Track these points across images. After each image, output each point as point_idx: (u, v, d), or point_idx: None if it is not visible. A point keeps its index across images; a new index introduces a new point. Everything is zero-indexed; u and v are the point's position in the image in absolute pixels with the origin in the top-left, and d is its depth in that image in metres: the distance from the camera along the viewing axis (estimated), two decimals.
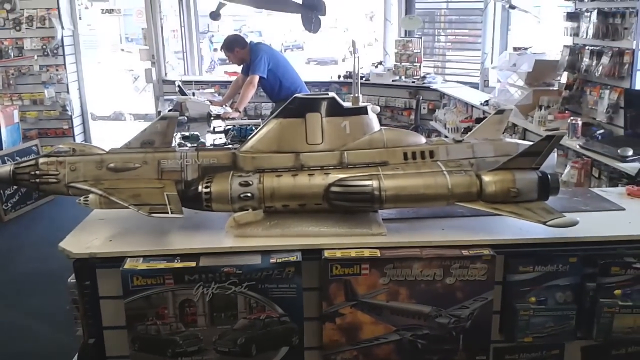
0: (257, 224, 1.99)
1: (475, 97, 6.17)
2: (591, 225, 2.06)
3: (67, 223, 2.20)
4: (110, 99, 14.15)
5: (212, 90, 7.24)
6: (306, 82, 7.77)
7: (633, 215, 2.19)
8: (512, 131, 4.99)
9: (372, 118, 2.12)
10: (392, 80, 7.62)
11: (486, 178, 1.98)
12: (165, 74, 8.06)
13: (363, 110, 2.10)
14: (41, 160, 2.08)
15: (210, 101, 6.03)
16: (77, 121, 8.13)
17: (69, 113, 7.90)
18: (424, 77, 7.44)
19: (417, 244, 1.96)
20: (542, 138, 1.96)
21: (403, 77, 7.63)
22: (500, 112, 2.38)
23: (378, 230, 2.00)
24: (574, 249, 1.98)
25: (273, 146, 2.05)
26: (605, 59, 3.81)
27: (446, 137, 6.62)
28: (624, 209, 2.25)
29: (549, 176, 1.98)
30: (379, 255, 1.90)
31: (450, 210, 2.09)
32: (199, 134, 4.06)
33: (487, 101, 5.39)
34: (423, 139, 2.17)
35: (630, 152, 3.19)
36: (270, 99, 6.43)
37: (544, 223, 1.89)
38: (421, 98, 7.00)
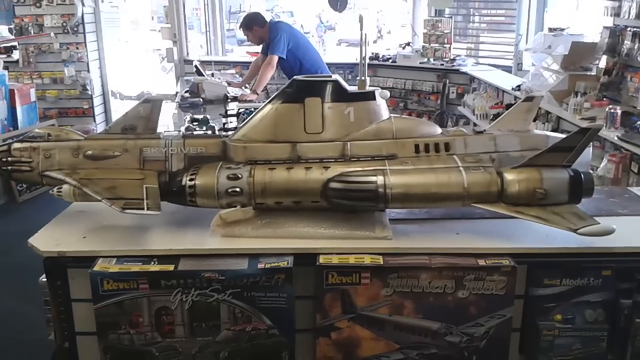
0: (246, 222, 1.78)
1: (507, 82, 5.82)
2: (629, 232, 1.79)
3: None
4: (138, 79, 14.09)
5: (233, 71, 7.03)
6: (329, 64, 7.52)
7: None
8: (545, 119, 4.66)
9: (381, 104, 1.87)
10: (420, 63, 7.30)
11: (509, 176, 1.72)
12: (187, 53, 7.88)
13: (370, 96, 1.85)
14: (14, 145, 1.90)
15: (229, 82, 5.83)
16: (97, 101, 8.03)
17: (89, 92, 7.79)
18: (453, 60, 7.10)
19: (427, 251, 1.72)
20: (577, 130, 1.69)
21: (431, 59, 7.30)
22: (529, 99, 2.10)
23: (382, 234, 1.77)
24: (608, 261, 1.72)
25: (267, 135, 1.82)
26: None
27: (475, 124, 6.32)
28: None
29: (583, 176, 1.72)
30: (382, 262, 1.67)
31: (467, 211, 1.83)
32: (209, 117, 3.86)
33: (519, 86, 5.06)
34: (438, 129, 1.91)
35: None
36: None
37: (575, 231, 1.63)
38: (448, 81, 6.67)
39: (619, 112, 3.42)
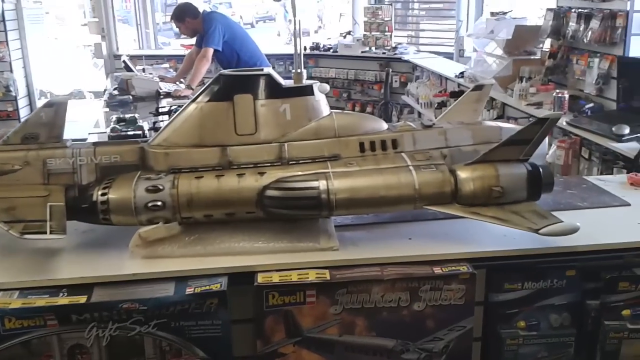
0: (172, 240, 1.56)
1: (450, 69, 5.74)
2: (592, 227, 1.66)
3: None
4: (69, 77, 13.46)
5: (167, 65, 6.71)
6: (269, 55, 7.32)
7: None
8: (490, 106, 4.59)
9: (320, 100, 1.68)
10: (362, 52, 7.17)
11: (462, 174, 1.56)
12: (117, 48, 7.47)
13: (308, 90, 1.65)
14: None
15: (161, 78, 5.52)
16: (22, 102, 7.53)
17: (13, 94, 7.29)
18: (395, 48, 6.99)
19: (378, 260, 1.54)
20: (534, 121, 1.54)
21: (373, 48, 7.17)
22: (478, 87, 1.96)
23: (328, 244, 1.58)
24: (572, 260, 1.59)
25: (192, 138, 1.60)
26: (594, 23, 3.39)
27: (420, 113, 6.24)
28: (629, 204, 1.85)
29: (541, 170, 1.58)
30: (329, 277, 1.48)
31: (419, 212, 1.67)
32: (137, 116, 3.58)
33: (462, 73, 4.97)
34: (384, 125, 1.74)
35: (627, 130, 2.79)
36: None
37: (536, 231, 1.49)
38: (391, 70, 6.55)
39: (567, 96, 3.35)
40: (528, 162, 1.58)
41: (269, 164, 1.60)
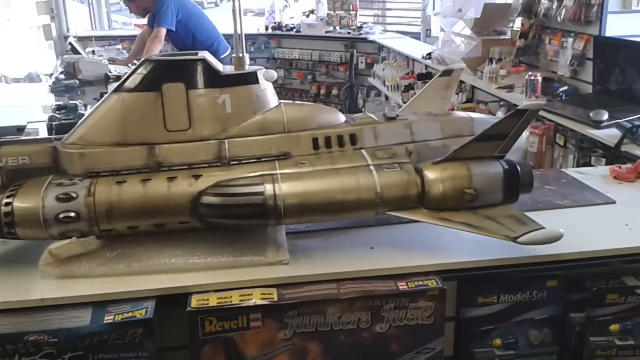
0: (90, 257, 1.32)
1: (417, 50, 5.53)
2: (574, 230, 1.47)
3: None
4: (24, 59, 12.86)
5: (119, 46, 6.34)
6: (226, 35, 7.00)
7: (628, 211, 1.62)
8: (459, 89, 4.39)
9: (266, 89, 1.44)
10: (326, 32, 6.89)
11: (430, 174, 1.35)
12: (68, 29, 7.04)
13: (251, 78, 1.42)
14: None
15: (112, 60, 5.19)
16: None
17: None
18: (360, 28, 6.74)
19: (334, 276, 1.33)
20: (510, 113, 1.34)
21: (338, 28, 6.91)
22: (447, 72, 1.75)
23: (276, 257, 1.36)
24: (554, 268, 1.40)
25: (113, 135, 1.36)
26: (568, 0, 3.20)
27: (386, 97, 6.02)
28: (614, 202, 1.67)
29: (519, 168, 1.38)
30: (276, 298, 1.27)
31: (382, 215, 1.46)
32: (78, 103, 3.27)
33: (429, 54, 4.76)
34: (342, 117, 1.52)
35: (605, 116, 2.61)
36: None
37: (514, 240, 1.29)
38: (355, 51, 6.30)
39: (539, 78, 3.16)
40: (504, 160, 1.38)
41: (205, 165, 1.36)
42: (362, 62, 6.63)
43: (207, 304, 1.25)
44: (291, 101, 1.51)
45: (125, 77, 1.39)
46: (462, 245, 1.41)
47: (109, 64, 4.92)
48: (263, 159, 1.39)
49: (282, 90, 7.35)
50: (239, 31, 1.45)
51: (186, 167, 1.36)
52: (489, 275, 1.40)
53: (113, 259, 1.32)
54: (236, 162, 1.38)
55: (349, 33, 6.73)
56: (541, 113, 2.89)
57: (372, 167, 1.36)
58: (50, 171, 1.36)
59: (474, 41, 4.05)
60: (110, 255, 1.33)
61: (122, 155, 1.35)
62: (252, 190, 1.30)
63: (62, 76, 4.58)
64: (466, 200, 1.34)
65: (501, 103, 3.68)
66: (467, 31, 4.20)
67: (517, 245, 1.30)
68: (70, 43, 5.14)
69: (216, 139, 1.38)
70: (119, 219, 1.30)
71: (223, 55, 5.52)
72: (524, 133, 3.06)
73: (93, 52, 5.43)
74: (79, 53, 4.96)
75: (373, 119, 1.50)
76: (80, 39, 6.46)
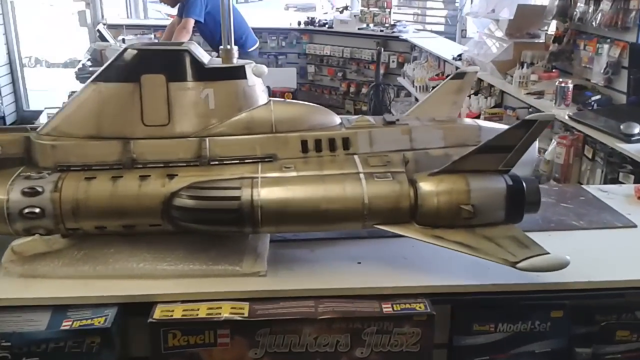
0: (55, 256, 1.24)
1: (450, 50, 5.35)
2: (586, 255, 1.34)
3: None
4: (64, 45, 13.06)
5: (151, 36, 6.32)
6: (260, 29, 6.93)
7: None
8: (488, 93, 4.22)
9: (255, 85, 1.34)
10: (358, 29, 6.75)
11: (425, 186, 1.23)
12: (102, 16, 7.07)
13: (238, 72, 1.32)
14: None
15: None
16: (3, 70, 7.17)
17: None
18: (393, 26, 6.58)
19: (313, 292, 1.22)
20: (517, 124, 1.20)
21: (371, 25, 6.76)
22: (459, 75, 1.62)
23: (253, 268, 1.26)
24: (560, 297, 1.27)
25: (87, 128, 1.28)
26: (605, 5, 3.00)
27: (416, 98, 5.84)
28: (634, 226, 1.52)
29: (525, 185, 1.24)
30: (247, 314, 1.17)
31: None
32: None
33: (460, 55, 4.60)
34: (337, 119, 1.40)
35: (636, 130, 2.42)
36: (211, 47, 5.55)
37: (514, 265, 1.16)
38: (383, 50, 6.13)
39: (571, 86, 2.97)
40: (509, 175, 1.24)
41: (183, 164, 1.27)
42: (393, 61, 6.47)
43: (171, 315, 1.16)
44: (282, 99, 1.40)
45: (104, 66, 1.31)
46: (459, 265, 1.28)
47: None
48: (246, 161, 1.29)
49: (312, 86, 7.25)
50: (227, 20, 1.34)
51: (162, 165, 1.27)
52: (486, 301, 1.27)
53: (79, 259, 1.24)
54: (217, 163, 1.28)
55: (381, 31, 6.58)
56: (570, 123, 2.72)
57: (361, 176, 1.25)
58: (22, 162, 1.29)
59: (506, 43, 3.87)
60: (77, 255, 1.25)
61: (95, 150, 1.26)
62: (228, 195, 1.20)
63: (88, 63, 4.57)
64: (463, 217, 1.21)
65: (530, 110, 3.50)
66: (500, 33, 4.03)
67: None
68: (98, 30, 5.13)
69: (197, 137, 1.28)
70: (86, 218, 1.21)
71: (251, 49, 5.45)
72: (552, 143, 2.88)
73: (123, 40, 5.42)
74: (107, 41, 4.94)
75: (370, 123, 1.38)
76: (113, 26, 6.48)
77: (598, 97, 2.96)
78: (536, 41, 3.94)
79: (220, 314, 1.16)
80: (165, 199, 1.21)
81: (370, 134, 1.36)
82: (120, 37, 5.57)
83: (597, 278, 1.27)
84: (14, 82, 7.39)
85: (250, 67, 1.33)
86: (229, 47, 1.33)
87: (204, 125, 1.29)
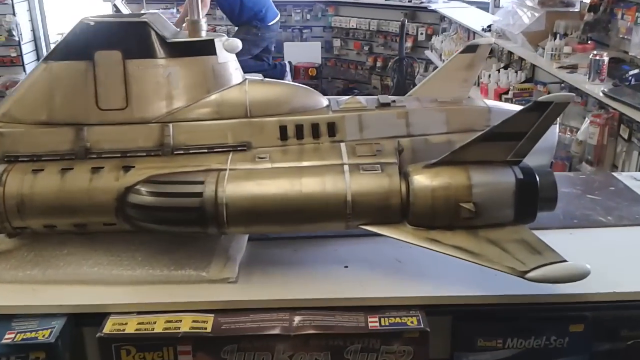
0: (3, 258, 1.11)
1: (481, 21, 5.06)
2: (613, 260, 1.15)
3: None
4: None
5: (173, 10, 6.18)
6: (284, 1, 6.73)
7: None
8: (519, 66, 3.95)
9: (228, 62, 1.17)
10: (386, 0, 6.48)
11: (419, 180, 1.05)
12: None
13: (206, 47, 1.15)
14: None
15: None
16: (27, 48, 7.13)
17: (17, 38, 6.89)
18: None
19: (288, 303, 1.06)
20: (528, 106, 1.01)
21: None
22: (471, 48, 1.41)
23: (220, 274, 1.10)
24: (580, 309, 1.08)
25: (38, 113, 1.13)
26: None
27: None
28: None
29: (538, 178, 1.05)
30: (209, 328, 1.02)
31: None
32: None
33: (489, 26, 4.32)
34: (323, 101, 1.22)
35: None
36: (230, 22, 5.39)
37: (522, 275, 0.98)
38: (407, 21, 5.84)
39: (606, 59, 2.70)
40: (519, 166, 1.05)
41: (143, 154, 1.12)
42: (422, 34, 6.20)
43: (124, 330, 1.02)
44: (260, 78, 1.23)
45: (56, 42, 1.15)
46: (461, 271, 1.09)
47: None
48: (216, 150, 1.13)
49: (338, 61, 7.03)
50: None
51: (119, 155, 1.11)
52: (493, 312, 1.09)
53: (29, 261, 1.11)
54: (182, 152, 1.12)
55: (409, 1, 6.30)
56: (604, 100, 2.46)
57: (346, 167, 1.07)
58: None
59: (538, 13, 3.58)
60: (27, 257, 1.12)
61: (46, 137, 1.12)
62: (188, 190, 1.04)
63: None
64: (463, 217, 1.03)
65: (562, 85, 3.24)
66: (531, 1, 3.74)
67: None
68: (114, 5, 5.00)
69: (158, 122, 1.13)
70: (32, 215, 1.07)
71: (272, 22, 5.26)
72: (585, 122, 2.64)
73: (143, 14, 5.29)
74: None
75: (361, 105, 1.20)
76: (135, 0, 6.36)
77: (636, 71, 2.68)
78: (570, 10, 3.63)
79: (179, 328, 1.02)
80: (119, 194, 1.06)
81: (360, 118, 1.18)
82: (141, 11, 5.45)
83: (625, 287, 1.07)
84: (38, 59, 7.35)
85: (220, 41, 1.16)
86: (195, 18, 1.15)
87: (167, 109, 1.13)
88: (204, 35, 1.16)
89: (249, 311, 1.05)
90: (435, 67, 5.87)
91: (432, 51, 5.62)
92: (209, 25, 6.10)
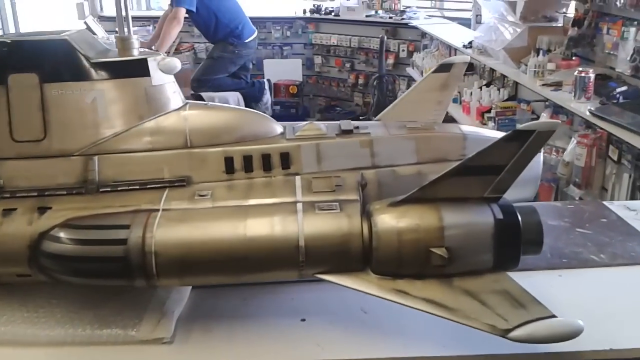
0: None
1: (462, 38, 4.96)
2: (608, 309, 1.00)
3: None
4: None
5: (150, 28, 6.03)
6: (263, 18, 6.60)
7: None
8: (502, 84, 3.83)
9: (164, 84, 1.02)
10: (366, 16, 6.36)
11: (383, 221, 0.89)
12: (101, 8, 6.78)
13: (138, 68, 1.00)
14: None
15: None
16: None
17: None
18: (403, 12, 6.18)
19: None
20: (508, 135, 0.86)
21: (379, 12, 6.37)
22: (444, 67, 1.28)
23: (153, 333, 0.94)
24: None
25: None
26: None
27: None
28: None
29: (521, 218, 0.90)
30: None
31: None
32: None
33: (470, 43, 4.21)
34: (277, 128, 1.08)
35: None
36: (206, 39, 5.25)
37: (504, 334, 0.82)
38: (387, 38, 5.73)
39: (592, 76, 2.58)
40: (498, 204, 0.90)
41: (64, 192, 0.96)
42: (403, 50, 6.08)
43: None
44: (203, 102, 1.08)
45: None
46: (437, 326, 0.94)
47: None
48: (149, 186, 0.97)
49: (319, 78, 6.89)
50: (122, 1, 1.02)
51: (35, 194, 0.95)
52: None
53: None
54: (109, 190, 0.97)
55: (390, 18, 6.19)
56: (591, 119, 2.34)
57: (299, 206, 0.92)
58: None
59: (520, 28, 3.46)
60: None
61: None
62: (111, 237, 0.88)
63: None
64: (434, 264, 0.88)
65: (547, 103, 3.12)
66: (512, 17, 3.63)
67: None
68: (85, 22, 4.84)
69: (82, 155, 0.97)
70: None
71: (249, 39, 5.12)
72: (571, 142, 2.51)
73: (116, 32, 5.15)
74: (95, 34, 4.66)
75: (320, 132, 1.05)
76: (110, 19, 6.20)
77: (624, 88, 2.56)
78: (553, 25, 3.53)
79: None
80: (32, 241, 0.90)
81: (319, 148, 1.03)
82: (113, 30, 5.30)
83: (623, 343, 0.93)
84: None
85: (155, 60, 1.01)
86: (126, 35, 1.00)
87: (91, 140, 0.97)
88: (136, 54, 1.01)
89: None
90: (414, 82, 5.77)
91: (413, 68, 5.51)
92: (186, 42, 5.93)
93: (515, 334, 0.82)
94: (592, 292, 1.05)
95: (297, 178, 1.00)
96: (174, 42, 5.57)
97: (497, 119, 3.30)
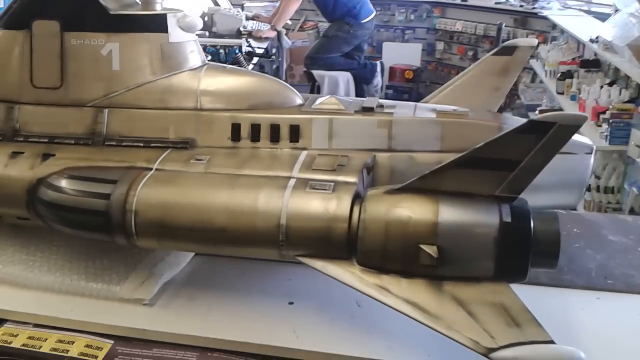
0: None
1: (595, 32, 4.53)
2: (610, 342, 0.85)
3: None
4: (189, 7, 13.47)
5: (277, 3, 6.12)
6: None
7: None
8: (625, 84, 3.45)
9: (181, 42, 0.99)
10: (496, 3, 6.02)
11: (373, 209, 0.81)
12: None
13: (156, 23, 0.98)
14: None
15: (257, 16, 4.98)
16: None
17: None
18: (535, 0, 5.77)
19: (200, 341, 0.87)
20: (521, 126, 0.74)
21: (512, 0, 6.00)
22: (507, 50, 1.15)
23: (134, 293, 0.92)
24: None
25: None
26: None
27: (541, 82, 5.07)
28: None
29: (534, 224, 0.77)
30: (101, 357, 0.85)
31: None
32: None
33: (597, 37, 3.83)
34: (297, 99, 1.01)
35: None
36: (324, 17, 5.23)
37: (487, 353, 0.71)
38: (504, 25, 5.36)
39: None
40: (510, 205, 0.78)
41: (72, 142, 0.97)
42: None
43: (11, 342, 0.87)
44: (222, 65, 1.04)
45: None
46: (427, 332, 0.84)
47: (252, 19, 4.74)
48: (153, 145, 0.96)
49: (439, 65, 6.66)
50: None
51: (46, 140, 0.97)
52: None
53: None
54: (114, 144, 0.96)
55: (521, 6, 5.81)
56: None
57: (291, 182, 0.85)
58: None
59: None
60: None
61: None
62: (96, 190, 0.87)
63: None
64: (422, 264, 0.78)
65: None
66: None
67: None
68: None
69: (93, 106, 0.97)
70: None
71: (365, 20, 5.02)
72: None
73: (242, 6, 5.28)
74: (217, 5, 4.80)
75: (338, 107, 0.98)
76: None
77: None
78: None
79: (67, 351, 0.85)
80: (31, 186, 0.91)
81: (332, 123, 0.95)
82: (239, 3, 5.44)
83: None
84: None
85: (174, 16, 0.98)
86: None
87: (104, 92, 0.97)
88: (158, 9, 0.99)
89: (153, 344, 0.87)
90: (533, 78, 5.39)
91: (537, 60, 5.14)
92: (311, 21, 5.96)
93: (499, 354, 0.71)
94: (627, 323, 0.89)
95: (303, 153, 0.93)
96: (298, 19, 5.62)
97: (610, 120, 2.98)
